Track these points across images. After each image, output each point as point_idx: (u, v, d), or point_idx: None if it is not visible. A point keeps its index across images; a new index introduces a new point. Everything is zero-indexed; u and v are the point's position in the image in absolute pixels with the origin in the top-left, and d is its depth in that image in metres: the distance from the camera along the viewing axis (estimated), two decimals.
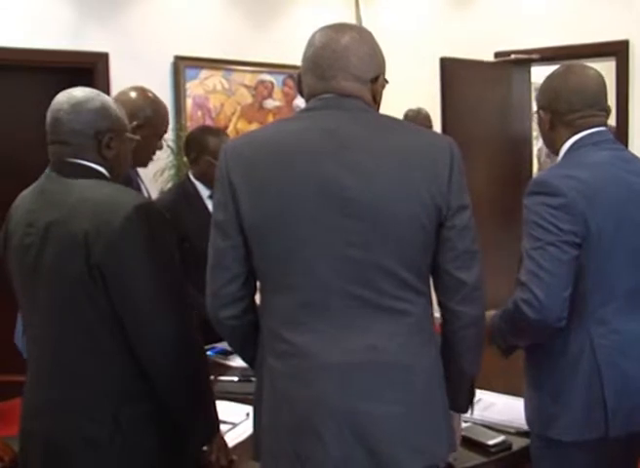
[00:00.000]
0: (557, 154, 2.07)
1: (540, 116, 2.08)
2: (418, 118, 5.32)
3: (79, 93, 1.93)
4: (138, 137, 2.13)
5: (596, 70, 2.09)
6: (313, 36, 1.73)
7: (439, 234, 1.65)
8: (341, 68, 1.68)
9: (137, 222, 1.77)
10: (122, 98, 2.60)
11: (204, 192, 3.32)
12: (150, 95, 2.74)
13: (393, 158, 1.62)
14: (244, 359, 1.88)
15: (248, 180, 1.64)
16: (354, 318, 1.61)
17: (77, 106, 1.89)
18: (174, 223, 2.68)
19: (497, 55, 5.99)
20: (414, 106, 5.46)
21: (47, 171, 1.94)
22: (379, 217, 1.59)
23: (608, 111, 2.05)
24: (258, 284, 1.76)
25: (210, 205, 3.22)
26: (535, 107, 2.15)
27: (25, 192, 2.00)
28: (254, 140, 1.71)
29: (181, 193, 3.34)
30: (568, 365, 1.92)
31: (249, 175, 1.64)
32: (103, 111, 1.92)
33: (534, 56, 5.79)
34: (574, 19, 5.60)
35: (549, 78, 2.08)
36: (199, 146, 3.34)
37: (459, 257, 1.66)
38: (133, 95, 2.70)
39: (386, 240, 1.60)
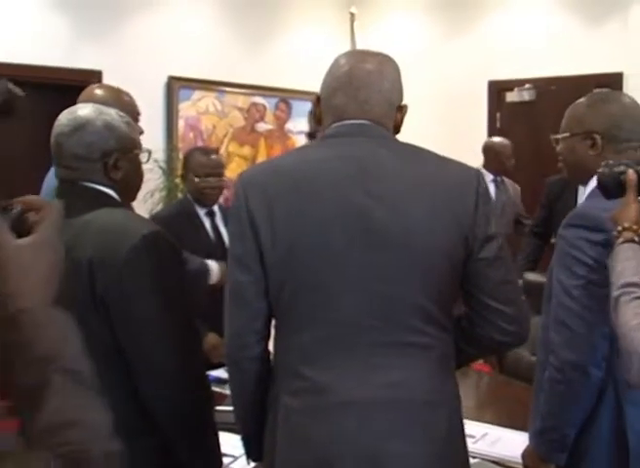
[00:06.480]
0: (586, 182, 1.96)
1: (582, 140, 1.94)
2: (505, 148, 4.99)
3: (81, 112, 1.79)
4: (148, 153, 1.94)
5: None
6: (338, 59, 1.68)
7: (469, 267, 1.59)
8: (376, 91, 1.63)
9: (144, 252, 1.66)
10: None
11: (200, 211, 3.30)
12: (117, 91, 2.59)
13: (421, 188, 1.57)
14: (251, 404, 1.72)
15: (268, 212, 1.56)
16: (377, 354, 1.55)
17: (79, 129, 1.76)
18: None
19: (490, 84, 6.01)
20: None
21: (55, 192, 1.85)
22: (407, 250, 1.54)
23: None
24: None
25: (207, 223, 3.26)
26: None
27: None
28: (275, 169, 1.65)
29: (181, 209, 3.33)
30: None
31: (269, 205, 1.57)
32: (108, 131, 1.78)
33: (527, 85, 5.82)
34: (568, 51, 5.64)
35: (602, 102, 1.97)
36: (185, 165, 3.38)
37: (494, 289, 1.60)
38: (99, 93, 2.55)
39: (414, 273, 1.55)
